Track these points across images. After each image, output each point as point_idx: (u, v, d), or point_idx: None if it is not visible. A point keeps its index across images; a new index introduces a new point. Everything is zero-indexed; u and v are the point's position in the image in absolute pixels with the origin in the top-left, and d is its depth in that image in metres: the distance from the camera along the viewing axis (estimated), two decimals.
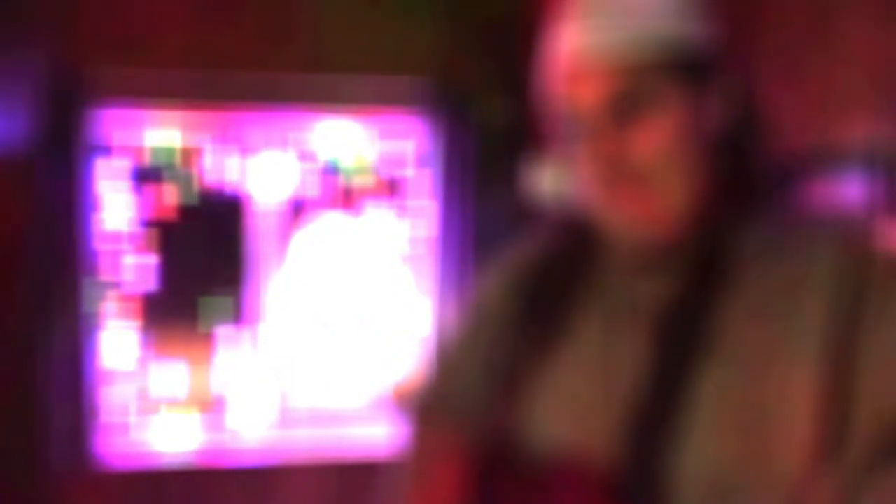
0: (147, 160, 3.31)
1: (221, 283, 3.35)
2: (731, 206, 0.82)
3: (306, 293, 3.41)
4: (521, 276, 0.94)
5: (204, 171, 3.35)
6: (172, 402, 3.37)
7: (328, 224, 3.43)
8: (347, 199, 3.43)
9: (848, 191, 1.97)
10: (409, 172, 3.44)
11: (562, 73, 0.81)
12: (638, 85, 0.78)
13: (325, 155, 3.42)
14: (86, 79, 3.03)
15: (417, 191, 3.40)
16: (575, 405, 0.83)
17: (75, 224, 3.02)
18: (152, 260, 3.31)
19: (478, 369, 0.94)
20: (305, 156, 3.40)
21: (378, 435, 3.32)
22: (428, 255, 3.32)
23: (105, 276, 3.21)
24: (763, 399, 0.75)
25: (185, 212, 3.34)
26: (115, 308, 3.28)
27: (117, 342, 3.28)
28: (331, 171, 3.42)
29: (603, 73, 0.78)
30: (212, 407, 3.39)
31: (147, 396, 3.35)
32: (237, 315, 3.36)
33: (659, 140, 0.78)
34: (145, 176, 3.30)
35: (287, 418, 3.40)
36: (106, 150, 3.21)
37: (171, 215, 3.33)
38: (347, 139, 3.43)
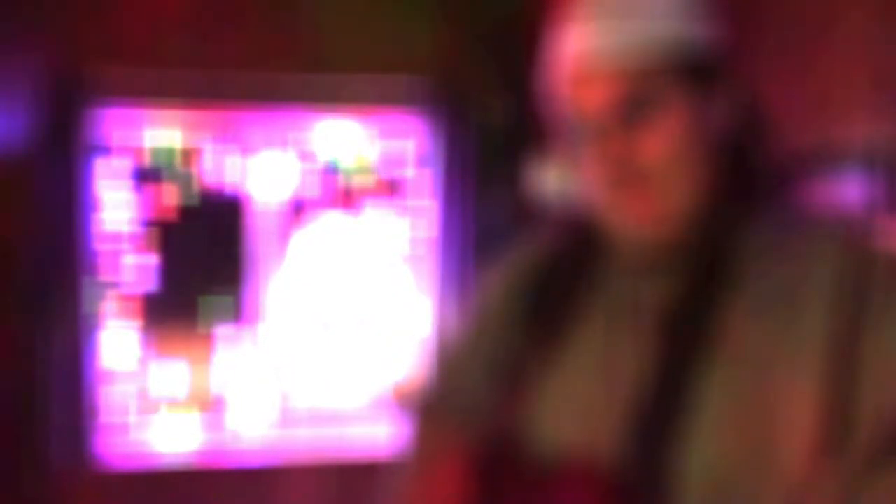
0: (147, 160, 3.31)
1: (222, 283, 3.35)
2: (735, 207, 0.83)
3: (306, 293, 3.41)
4: (524, 277, 0.95)
5: (204, 171, 3.35)
6: (172, 402, 3.37)
7: (328, 224, 3.43)
8: (347, 199, 3.43)
9: (848, 191, 1.97)
10: (410, 172, 3.44)
11: (568, 75, 0.81)
12: (644, 88, 0.78)
13: (325, 155, 3.42)
14: (86, 79, 3.03)
15: (418, 191, 3.40)
16: (578, 405, 0.84)
17: (75, 224, 3.02)
18: (152, 260, 3.31)
19: (480, 369, 0.95)
20: (305, 156, 3.40)
21: (379, 435, 3.32)
22: (428, 254, 3.32)
23: (105, 276, 3.21)
24: (766, 399, 0.75)
25: (185, 212, 3.34)
26: (115, 308, 3.28)
27: (117, 342, 3.28)
28: (331, 171, 3.43)
29: (609, 76, 0.78)
30: (212, 407, 3.39)
31: (147, 396, 3.35)
32: (237, 315, 3.36)
33: (665, 142, 0.78)
34: (145, 176, 3.30)
35: (287, 418, 3.40)
36: (106, 150, 3.21)
37: (172, 215, 3.33)
38: (348, 139, 3.43)
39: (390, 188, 3.44)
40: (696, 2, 0.81)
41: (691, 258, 0.82)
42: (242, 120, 3.32)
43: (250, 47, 3.16)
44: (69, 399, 3.03)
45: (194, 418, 3.37)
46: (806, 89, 2.17)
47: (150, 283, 3.31)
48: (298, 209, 3.39)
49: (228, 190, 3.35)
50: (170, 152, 3.33)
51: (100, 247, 3.15)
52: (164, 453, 3.24)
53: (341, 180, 3.43)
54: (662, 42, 0.78)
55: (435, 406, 1.01)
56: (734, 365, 0.77)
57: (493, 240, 3.17)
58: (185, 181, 3.34)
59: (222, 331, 3.37)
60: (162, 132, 3.31)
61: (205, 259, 3.36)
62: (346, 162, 3.44)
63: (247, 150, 3.36)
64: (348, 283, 3.45)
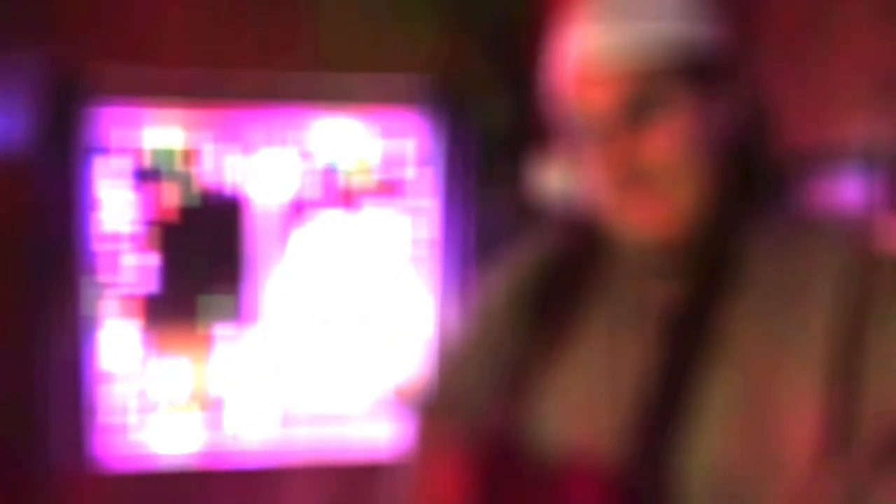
0: (147, 160, 3.31)
1: (222, 283, 3.35)
2: (739, 208, 0.83)
3: (307, 293, 3.41)
4: (527, 277, 0.95)
5: (204, 170, 3.35)
6: (172, 403, 3.37)
7: (328, 223, 3.43)
8: (347, 198, 3.43)
9: (848, 191, 1.97)
10: (411, 171, 3.44)
11: (572, 76, 0.81)
12: (649, 88, 0.78)
13: (325, 154, 3.42)
14: (86, 77, 3.02)
15: (418, 190, 3.40)
16: (582, 405, 0.84)
17: (74, 224, 3.02)
18: (152, 260, 3.31)
19: (483, 369, 0.95)
20: (306, 155, 3.40)
21: (379, 435, 3.32)
22: (429, 254, 3.32)
23: (104, 275, 3.21)
24: (769, 400, 0.75)
25: (186, 211, 3.34)
26: (115, 308, 3.27)
27: (117, 342, 3.28)
28: (331, 170, 3.42)
29: (614, 76, 0.78)
30: (212, 407, 3.38)
31: (146, 396, 3.34)
32: (237, 315, 3.36)
33: (670, 143, 0.79)
34: (145, 176, 3.30)
35: (287, 418, 3.40)
36: (105, 150, 3.21)
37: (172, 215, 3.33)
38: (348, 138, 3.43)
39: (391, 188, 3.44)
40: (700, 2, 0.81)
41: (695, 260, 0.82)
42: (242, 119, 3.32)
43: (250, 46, 3.16)
44: (69, 399, 3.03)
45: (194, 418, 3.37)
46: (806, 89, 2.18)
47: (151, 283, 3.31)
48: (298, 209, 3.38)
49: (228, 189, 3.35)
50: (170, 152, 3.33)
51: (99, 247, 3.14)
52: (164, 453, 3.24)
53: (341, 180, 3.43)
54: (667, 43, 0.78)
55: (437, 405, 1.01)
56: (737, 366, 0.77)
57: (494, 239, 3.17)
58: (185, 181, 3.34)
59: (222, 331, 3.37)
60: (162, 131, 3.31)
61: (205, 259, 3.36)
62: (347, 161, 3.44)
63: (247, 149, 3.36)
64: (348, 283, 3.45)
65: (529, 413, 0.87)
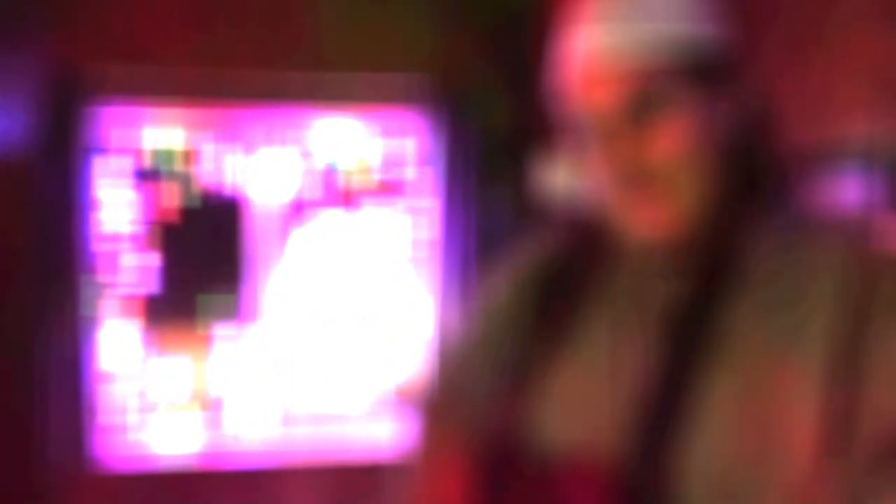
0: (147, 160, 3.31)
1: (222, 283, 3.35)
2: (742, 208, 0.83)
3: (307, 293, 3.41)
4: (530, 276, 0.95)
5: (204, 170, 3.35)
6: (172, 402, 3.37)
7: (328, 223, 3.43)
8: (347, 198, 3.43)
9: (848, 191, 1.97)
10: (411, 171, 3.44)
11: (577, 75, 0.82)
12: (654, 88, 0.78)
13: (325, 154, 3.42)
14: (86, 77, 3.03)
15: (419, 189, 3.40)
16: (583, 404, 0.84)
17: (74, 224, 3.02)
18: (152, 260, 3.31)
19: (484, 368, 0.95)
20: (306, 155, 3.40)
21: (380, 436, 3.32)
22: (430, 254, 3.32)
23: (104, 276, 3.21)
24: (770, 401, 0.75)
25: (186, 211, 3.34)
26: (115, 308, 3.27)
27: (117, 342, 3.28)
28: (331, 170, 3.42)
29: (619, 76, 0.78)
30: (212, 407, 3.38)
31: (146, 396, 3.34)
32: (237, 314, 3.36)
33: (674, 142, 0.79)
34: (145, 176, 3.30)
35: (287, 418, 3.40)
36: (105, 150, 3.21)
37: (172, 215, 3.33)
38: (348, 138, 3.43)
39: (391, 188, 3.44)
40: (704, 3, 0.81)
41: (697, 259, 0.82)
42: (242, 118, 3.32)
43: (250, 45, 3.16)
44: (68, 399, 3.03)
45: (194, 418, 3.37)
46: (806, 89, 2.18)
47: (151, 283, 3.31)
48: (298, 209, 3.38)
49: (228, 189, 3.35)
50: (170, 152, 3.33)
51: (99, 247, 3.14)
52: (164, 453, 3.24)
53: (341, 180, 3.43)
54: (671, 43, 0.78)
55: (438, 406, 1.01)
56: (739, 366, 0.77)
57: (495, 239, 3.17)
58: (185, 181, 3.34)
59: (222, 330, 3.37)
60: (162, 131, 3.31)
61: (205, 259, 3.36)
62: (347, 161, 3.44)
63: (247, 149, 3.36)
64: (348, 283, 3.45)
65: (530, 413, 0.87)
